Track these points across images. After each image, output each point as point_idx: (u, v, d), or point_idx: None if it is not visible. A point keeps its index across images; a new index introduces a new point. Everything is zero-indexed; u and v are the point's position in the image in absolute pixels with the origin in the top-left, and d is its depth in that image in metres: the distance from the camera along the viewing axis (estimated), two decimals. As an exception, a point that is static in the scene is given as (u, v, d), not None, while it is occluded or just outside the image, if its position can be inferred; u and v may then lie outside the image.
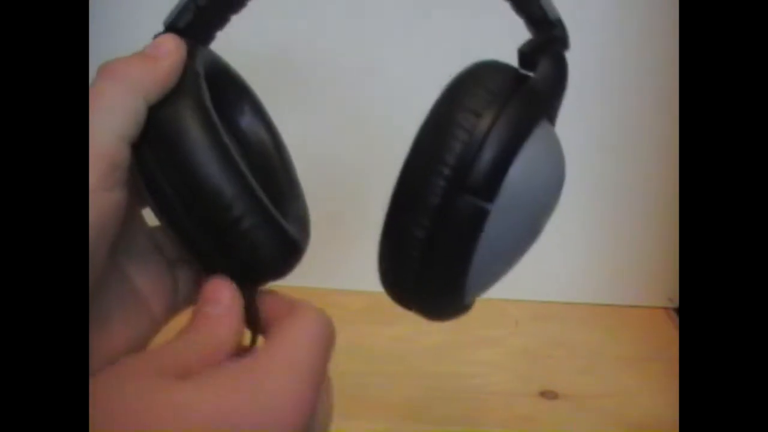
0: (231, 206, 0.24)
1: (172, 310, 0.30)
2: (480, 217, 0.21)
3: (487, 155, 0.21)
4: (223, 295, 0.27)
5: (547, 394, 0.48)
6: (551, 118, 0.24)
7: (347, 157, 0.57)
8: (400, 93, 0.55)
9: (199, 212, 0.24)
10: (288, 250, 0.27)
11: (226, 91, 0.29)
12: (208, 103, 0.25)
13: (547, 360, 0.52)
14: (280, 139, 0.31)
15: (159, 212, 0.26)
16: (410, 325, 0.56)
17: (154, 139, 0.24)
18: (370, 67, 0.54)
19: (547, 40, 0.23)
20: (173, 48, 0.25)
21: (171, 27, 0.26)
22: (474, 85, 0.22)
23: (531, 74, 0.22)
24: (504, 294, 0.60)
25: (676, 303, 0.59)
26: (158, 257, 0.29)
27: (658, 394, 0.48)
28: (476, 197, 0.21)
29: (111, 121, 0.24)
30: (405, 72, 0.54)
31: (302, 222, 0.30)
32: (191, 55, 0.26)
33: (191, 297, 0.30)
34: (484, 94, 0.22)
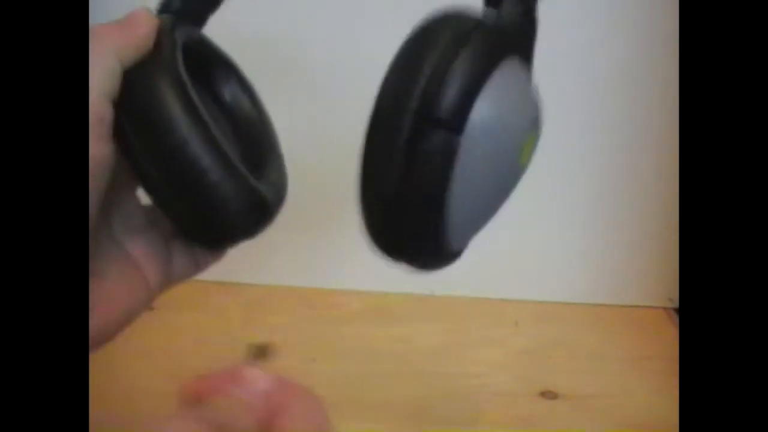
0: (198, 159, 0.25)
1: (167, 280, 0.31)
2: (451, 149, 0.21)
3: (453, 88, 0.21)
4: (258, 384, 0.25)
5: (547, 394, 0.48)
6: (524, 56, 0.24)
7: (348, 158, 0.56)
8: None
9: (167, 166, 0.25)
10: (257, 206, 0.27)
11: (211, 67, 0.31)
12: (181, 67, 0.26)
13: (547, 360, 0.52)
14: (264, 113, 0.32)
15: (134, 168, 0.26)
16: (410, 325, 0.56)
17: (128, 99, 0.26)
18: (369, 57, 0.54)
19: None
20: (145, 17, 0.28)
21: (163, 8, 0.28)
22: (437, 27, 0.23)
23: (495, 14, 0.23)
24: (504, 294, 0.60)
25: (676, 303, 0.59)
26: (153, 231, 0.31)
27: (658, 394, 0.48)
28: (446, 129, 0.21)
29: (92, 80, 0.25)
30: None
31: (277, 187, 0.30)
32: (170, 28, 0.27)
33: (185, 271, 0.31)
34: (448, 33, 0.22)
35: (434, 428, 0.44)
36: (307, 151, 0.56)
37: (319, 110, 0.55)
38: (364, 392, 0.46)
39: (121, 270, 0.30)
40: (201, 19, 0.30)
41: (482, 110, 0.22)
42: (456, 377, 0.49)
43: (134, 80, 0.26)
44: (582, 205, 0.58)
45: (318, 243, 0.58)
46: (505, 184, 0.25)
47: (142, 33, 0.27)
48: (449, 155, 0.22)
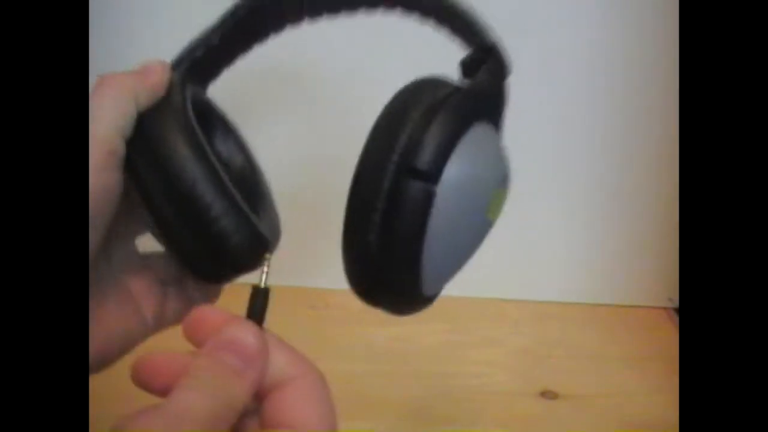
0: (205, 195, 0.27)
1: (161, 321, 0.32)
2: (428, 197, 0.23)
3: (430, 144, 0.23)
4: (247, 345, 0.25)
5: (547, 394, 0.48)
6: (494, 121, 0.27)
7: (348, 159, 0.56)
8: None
9: (175, 199, 0.27)
10: (256, 242, 0.28)
11: (213, 124, 0.33)
12: (190, 113, 0.29)
13: (547, 360, 0.52)
14: (258, 170, 0.34)
15: (144, 200, 0.28)
16: (410, 325, 0.56)
17: (142, 138, 0.28)
18: (362, 68, 0.54)
19: (484, 55, 0.27)
20: (160, 67, 0.31)
21: (174, 65, 0.31)
22: (419, 90, 0.25)
23: (470, 82, 0.26)
24: (504, 294, 0.60)
25: (676, 303, 0.59)
26: (150, 273, 0.33)
27: (658, 394, 0.48)
28: (423, 180, 0.23)
29: (108, 116, 0.28)
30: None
31: (272, 228, 0.33)
32: (181, 82, 0.30)
33: (179, 316, 0.33)
34: (428, 96, 0.24)
35: (434, 428, 0.44)
36: (307, 153, 0.56)
37: (319, 111, 0.55)
38: (364, 392, 0.46)
39: (118, 300, 0.31)
40: (207, 79, 0.32)
41: (455, 165, 0.24)
42: (456, 377, 0.49)
43: (149, 122, 0.28)
44: (582, 205, 0.58)
45: (318, 243, 0.58)
46: (474, 236, 0.27)
47: (157, 80, 0.30)
48: (426, 203, 0.24)
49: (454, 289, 0.59)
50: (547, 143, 0.56)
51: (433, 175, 0.23)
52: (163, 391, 0.24)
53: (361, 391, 0.45)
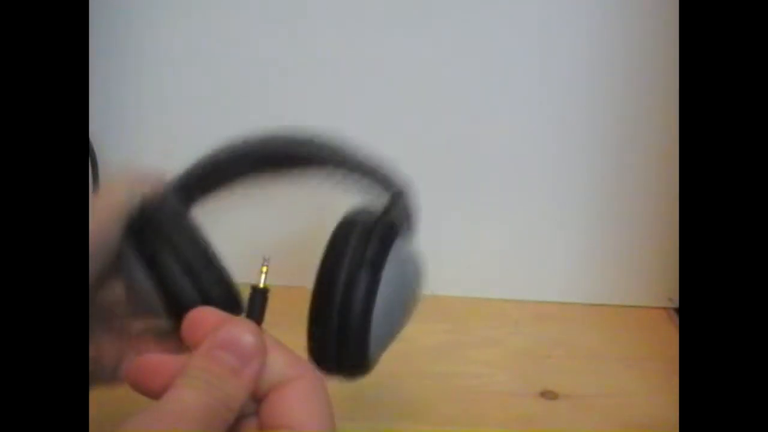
0: (198, 263, 0.33)
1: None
2: (375, 282, 0.32)
3: (371, 251, 0.33)
4: (244, 343, 0.25)
5: (547, 394, 0.48)
6: (408, 237, 0.37)
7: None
8: (400, 96, 0.55)
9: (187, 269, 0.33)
10: (235, 295, 0.35)
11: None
12: (185, 208, 0.36)
13: (547, 360, 0.52)
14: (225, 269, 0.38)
15: (149, 263, 0.33)
16: (410, 325, 0.56)
17: (156, 226, 0.33)
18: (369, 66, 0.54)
19: (398, 195, 0.36)
20: (155, 175, 0.35)
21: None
22: (355, 219, 0.35)
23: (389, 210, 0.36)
24: (504, 294, 0.60)
25: (676, 303, 0.59)
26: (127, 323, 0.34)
27: (658, 394, 0.48)
28: (371, 270, 0.32)
29: (114, 202, 0.32)
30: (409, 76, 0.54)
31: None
32: (175, 191, 0.36)
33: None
34: (362, 223, 0.34)
35: (434, 428, 0.44)
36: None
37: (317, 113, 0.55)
38: (364, 392, 0.46)
39: (109, 325, 0.32)
40: (191, 201, 0.38)
41: (389, 264, 0.33)
42: (456, 377, 0.49)
43: (151, 206, 0.34)
44: (582, 205, 0.58)
45: (318, 243, 0.58)
46: (400, 318, 0.36)
47: (153, 181, 0.34)
48: (374, 287, 0.32)
49: (454, 289, 0.59)
50: (547, 143, 0.56)
51: (378, 266, 0.32)
52: (160, 393, 0.24)
53: (361, 391, 0.45)
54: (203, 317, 0.26)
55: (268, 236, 0.57)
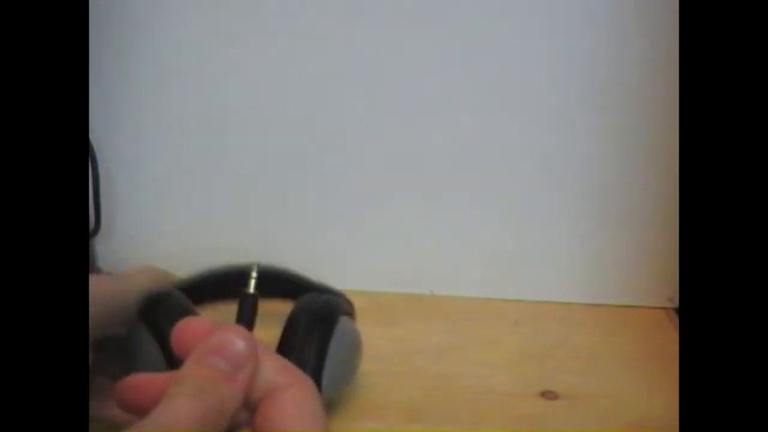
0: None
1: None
2: (330, 331, 0.41)
3: (326, 320, 0.42)
4: (236, 348, 0.25)
5: (547, 394, 0.48)
6: (351, 316, 0.45)
7: (348, 159, 0.57)
8: (400, 96, 0.55)
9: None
10: None
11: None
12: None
13: (547, 360, 0.52)
14: None
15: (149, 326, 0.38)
16: (410, 325, 0.56)
17: (162, 311, 0.38)
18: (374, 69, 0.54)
19: (341, 295, 0.46)
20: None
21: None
22: (306, 306, 0.42)
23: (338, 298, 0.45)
24: (504, 294, 0.60)
25: (676, 303, 0.59)
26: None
27: (658, 394, 0.48)
28: (325, 323, 0.41)
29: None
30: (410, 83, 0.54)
31: None
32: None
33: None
34: (312, 310, 0.42)
35: (434, 428, 0.44)
36: (309, 151, 0.56)
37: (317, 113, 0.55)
38: (364, 392, 0.46)
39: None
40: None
41: (336, 331, 0.42)
42: (456, 377, 0.49)
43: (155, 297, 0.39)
44: (582, 205, 0.58)
45: (318, 243, 0.58)
46: (352, 370, 0.44)
47: (165, 277, 0.40)
48: (328, 335, 0.41)
49: (454, 289, 0.59)
50: (547, 143, 0.56)
51: (331, 322, 0.41)
52: (151, 410, 0.23)
53: (361, 392, 0.45)
54: (192, 327, 0.26)
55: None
